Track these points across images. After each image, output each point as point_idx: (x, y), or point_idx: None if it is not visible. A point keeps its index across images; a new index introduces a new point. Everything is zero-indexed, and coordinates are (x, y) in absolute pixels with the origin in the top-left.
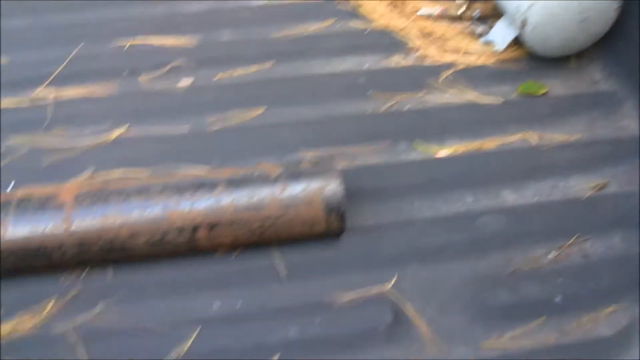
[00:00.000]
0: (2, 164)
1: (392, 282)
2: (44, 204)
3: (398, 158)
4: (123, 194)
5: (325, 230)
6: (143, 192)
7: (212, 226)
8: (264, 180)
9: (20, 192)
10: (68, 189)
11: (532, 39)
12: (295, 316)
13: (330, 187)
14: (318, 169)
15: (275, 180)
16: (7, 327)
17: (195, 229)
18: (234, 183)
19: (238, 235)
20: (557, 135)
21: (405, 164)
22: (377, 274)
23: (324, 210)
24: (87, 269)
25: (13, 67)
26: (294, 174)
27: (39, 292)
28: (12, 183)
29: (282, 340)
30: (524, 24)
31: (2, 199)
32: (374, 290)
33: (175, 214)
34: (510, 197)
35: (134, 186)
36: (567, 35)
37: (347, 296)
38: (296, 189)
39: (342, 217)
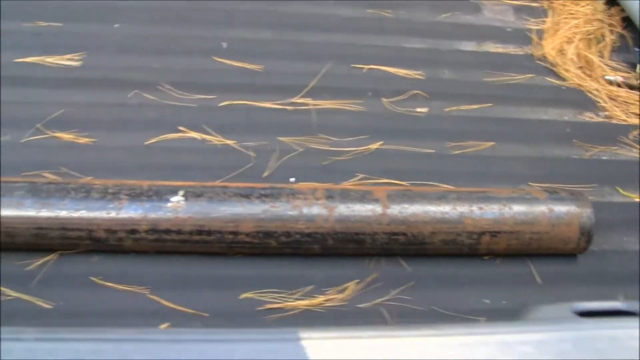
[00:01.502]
0: (281, 160)
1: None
2: (363, 198)
3: (604, 199)
4: (426, 197)
5: (574, 248)
6: (442, 198)
7: (494, 234)
8: (536, 201)
9: (340, 187)
10: (380, 188)
11: None
12: None
13: (586, 213)
14: (573, 198)
15: (544, 202)
16: (320, 299)
17: (481, 234)
18: (513, 200)
19: (512, 244)
20: None
21: (612, 204)
22: (607, 289)
23: (579, 232)
24: (384, 258)
25: (268, 75)
26: (556, 199)
27: (346, 273)
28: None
29: None
30: None
31: (325, 190)
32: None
33: (469, 219)
34: None
35: (432, 192)
36: None
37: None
38: (561, 211)
39: (590, 240)
